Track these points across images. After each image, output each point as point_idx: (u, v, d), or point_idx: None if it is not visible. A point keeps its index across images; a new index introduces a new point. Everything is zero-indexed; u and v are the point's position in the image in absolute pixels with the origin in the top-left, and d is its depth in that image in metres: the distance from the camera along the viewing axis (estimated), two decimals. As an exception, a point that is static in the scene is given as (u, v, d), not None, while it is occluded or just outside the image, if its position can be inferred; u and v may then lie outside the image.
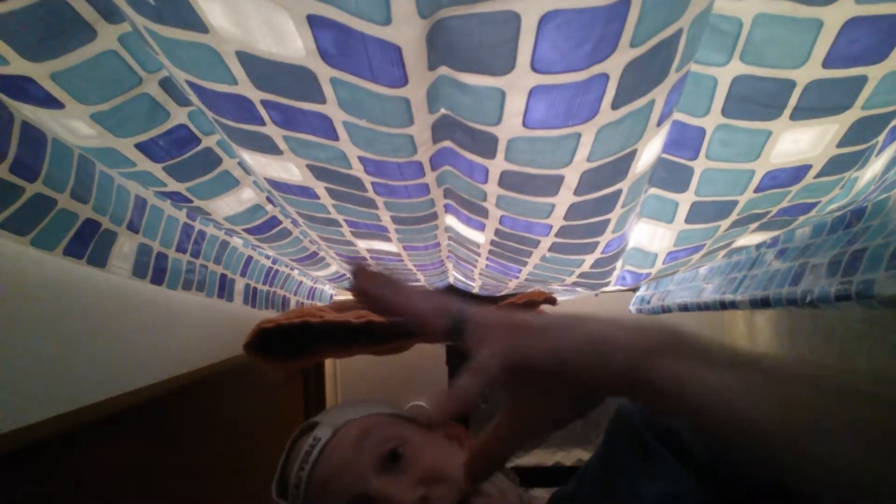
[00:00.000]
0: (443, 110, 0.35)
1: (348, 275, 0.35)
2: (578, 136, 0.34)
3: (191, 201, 0.53)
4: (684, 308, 0.92)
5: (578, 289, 0.77)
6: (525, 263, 0.63)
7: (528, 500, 0.52)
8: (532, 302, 0.82)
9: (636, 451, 0.43)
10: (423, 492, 0.46)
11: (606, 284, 0.72)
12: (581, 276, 0.65)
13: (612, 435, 0.47)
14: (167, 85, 0.41)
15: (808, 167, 0.43)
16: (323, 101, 0.33)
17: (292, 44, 0.28)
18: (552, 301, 0.84)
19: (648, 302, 1.09)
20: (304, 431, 0.56)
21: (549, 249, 0.55)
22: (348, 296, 1.27)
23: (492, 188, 0.43)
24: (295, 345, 0.79)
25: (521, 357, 0.29)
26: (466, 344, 0.31)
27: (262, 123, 0.37)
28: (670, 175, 0.47)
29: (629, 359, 0.27)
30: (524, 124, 0.33)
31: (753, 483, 0.36)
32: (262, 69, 0.31)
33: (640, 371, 0.27)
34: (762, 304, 0.69)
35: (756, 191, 0.46)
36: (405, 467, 0.49)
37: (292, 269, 1.01)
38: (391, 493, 0.46)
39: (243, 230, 0.63)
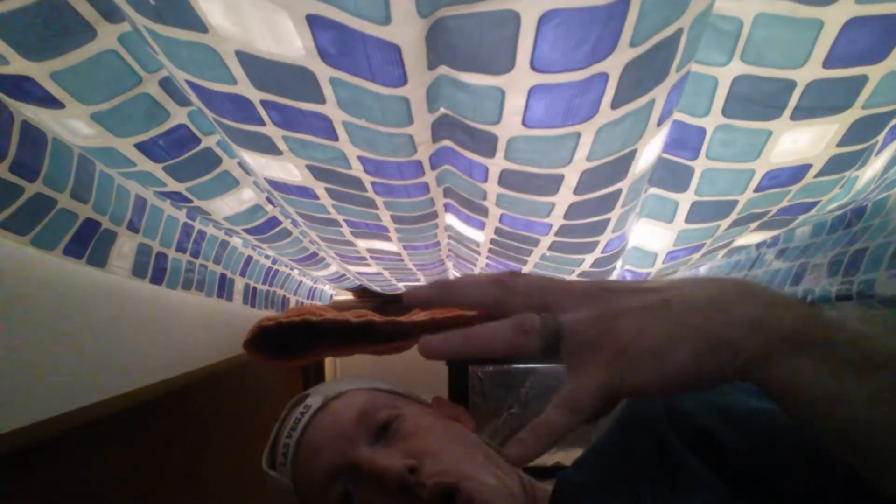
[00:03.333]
0: (442, 109, 0.35)
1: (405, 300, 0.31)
2: (578, 135, 0.34)
3: (191, 201, 0.53)
4: (684, 308, 0.91)
5: (578, 288, 0.77)
6: (525, 262, 0.63)
7: (531, 484, 0.51)
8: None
9: (661, 456, 0.41)
10: (412, 463, 0.44)
11: (606, 284, 0.72)
12: (581, 275, 0.65)
13: (631, 433, 0.45)
14: (167, 85, 0.41)
15: (808, 167, 0.43)
16: (322, 101, 0.33)
17: (292, 44, 0.28)
18: None
19: (648, 302, 1.09)
20: (297, 402, 0.55)
21: (550, 248, 0.55)
22: (348, 296, 1.27)
23: (492, 187, 0.43)
24: (295, 343, 0.79)
25: (626, 390, 0.25)
26: (559, 361, 0.27)
27: (262, 123, 0.37)
28: (670, 175, 0.47)
29: (752, 356, 0.25)
30: (524, 123, 0.33)
31: (812, 495, 0.34)
32: (262, 69, 0.31)
33: (761, 370, 0.25)
34: (762, 303, 0.69)
35: (756, 190, 0.46)
36: (397, 439, 0.48)
37: (292, 269, 1.01)
38: (379, 462, 0.45)
39: (243, 230, 0.63)
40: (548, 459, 1.48)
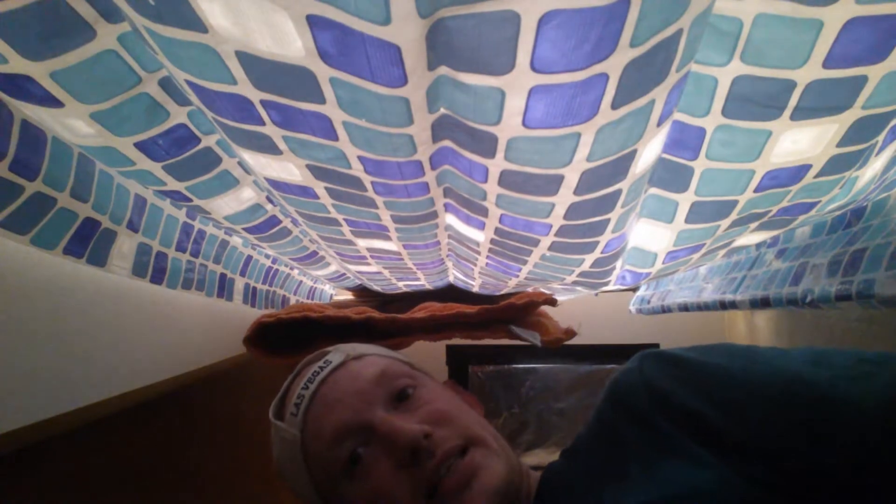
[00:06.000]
0: (442, 110, 0.35)
1: None
2: (578, 135, 0.34)
3: (190, 200, 0.53)
4: (684, 308, 0.92)
5: (578, 288, 0.77)
6: (525, 262, 0.63)
7: (528, 470, 0.51)
8: (532, 303, 0.82)
9: (650, 438, 0.41)
10: (427, 429, 0.44)
11: (606, 284, 0.72)
12: (581, 275, 0.65)
13: (615, 419, 0.45)
14: (167, 84, 0.41)
15: (808, 167, 0.43)
16: (322, 101, 0.33)
17: (292, 44, 0.28)
18: (552, 302, 0.84)
19: (648, 302, 1.09)
20: (316, 357, 0.55)
21: (549, 248, 0.55)
22: (348, 295, 1.27)
23: (491, 187, 0.43)
24: (295, 340, 0.79)
25: None
26: None
27: (262, 123, 0.37)
28: (670, 175, 0.47)
29: None
30: (524, 124, 0.33)
31: (805, 464, 0.34)
32: (262, 69, 0.31)
33: None
34: (762, 304, 0.69)
35: (756, 191, 0.46)
36: (413, 406, 0.48)
37: (292, 268, 1.01)
38: (396, 424, 0.44)
39: (243, 229, 0.63)
40: (548, 459, 1.48)
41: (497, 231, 0.54)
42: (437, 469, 0.43)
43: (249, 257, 0.83)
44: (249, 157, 0.43)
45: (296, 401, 0.49)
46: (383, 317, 0.78)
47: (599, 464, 0.44)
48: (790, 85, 0.36)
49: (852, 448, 0.33)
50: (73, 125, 0.40)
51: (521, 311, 0.84)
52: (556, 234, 0.51)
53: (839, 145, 0.41)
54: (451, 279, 0.94)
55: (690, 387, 0.41)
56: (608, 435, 0.45)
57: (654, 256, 0.63)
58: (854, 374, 0.35)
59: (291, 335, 0.78)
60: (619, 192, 0.43)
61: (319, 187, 0.47)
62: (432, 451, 0.43)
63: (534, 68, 0.29)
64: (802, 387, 0.36)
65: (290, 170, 0.44)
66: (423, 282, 0.91)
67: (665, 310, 1.01)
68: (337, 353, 0.53)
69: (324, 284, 1.22)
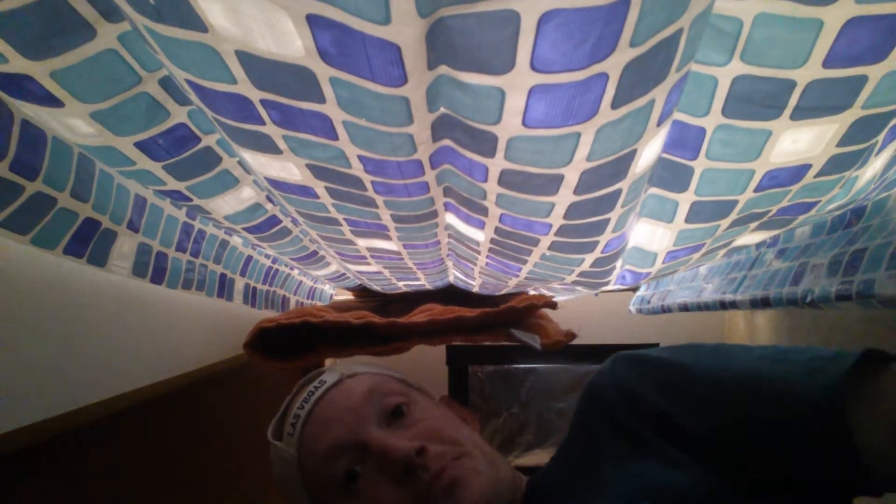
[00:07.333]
0: (442, 109, 0.35)
1: None
2: (578, 135, 0.34)
3: (190, 200, 0.53)
4: (684, 308, 0.92)
5: (578, 288, 0.77)
6: (525, 262, 0.63)
7: (519, 478, 0.51)
8: (532, 306, 0.82)
9: (624, 439, 0.42)
10: (419, 445, 0.45)
11: (606, 284, 0.72)
12: (581, 275, 0.65)
13: (591, 422, 0.45)
14: (167, 84, 0.41)
15: (807, 167, 0.43)
16: (322, 100, 0.33)
17: (292, 43, 0.28)
18: (552, 305, 0.84)
19: (648, 301, 1.09)
20: (313, 377, 0.56)
21: (549, 248, 0.55)
22: (348, 295, 1.27)
23: (491, 187, 0.43)
24: (295, 344, 0.79)
25: None
26: None
27: (262, 123, 0.37)
28: (670, 175, 0.47)
29: None
30: (524, 123, 0.33)
31: (765, 458, 0.35)
32: (262, 69, 0.31)
33: None
34: (762, 303, 0.69)
35: (756, 190, 0.46)
36: (407, 423, 0.49)
37: (292, 268, 1.01)
38: (388, 442, 0.45)
39: (243, 229, 0.63)
40: (547, 459, 1.48)
41: (497, 230, 0.54)
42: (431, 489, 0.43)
43: (249, 257, 0.84)
44: (249, 156, 0.43)
45: (292, 420, 0.50)
46: (383, 321, 0.78)
47: (580, 467, 0.45)
48: (790, 85, 0.36)
49: (804, 441, 0.33)
50: (74, 125, 0.40)
51: (522, 314, 0.84)
52: (556, 234, 0.51)
53: (839, 145, 0.41)
54: (451, 279, 0.94)
55: (657, 387, 0.42)
56: (586, 438, 0.46)
57: (654, 256, 0.63)
58: (807, 369, 0.36)
59: (291, 340, 0.78)
60: (619, 191, 0.43)
61: (319, 187, 0.47)
62: (427, 467, 0.44)
63: (534, 68, 0.29)
64: (759, 383, 0.37)
65: (290, 169, 0.44)
66: (423, 281, 0.91)
67: (665, 310, 1.01)
68: (332, 373, 0.54)
69: (324, 284, 1.22)
